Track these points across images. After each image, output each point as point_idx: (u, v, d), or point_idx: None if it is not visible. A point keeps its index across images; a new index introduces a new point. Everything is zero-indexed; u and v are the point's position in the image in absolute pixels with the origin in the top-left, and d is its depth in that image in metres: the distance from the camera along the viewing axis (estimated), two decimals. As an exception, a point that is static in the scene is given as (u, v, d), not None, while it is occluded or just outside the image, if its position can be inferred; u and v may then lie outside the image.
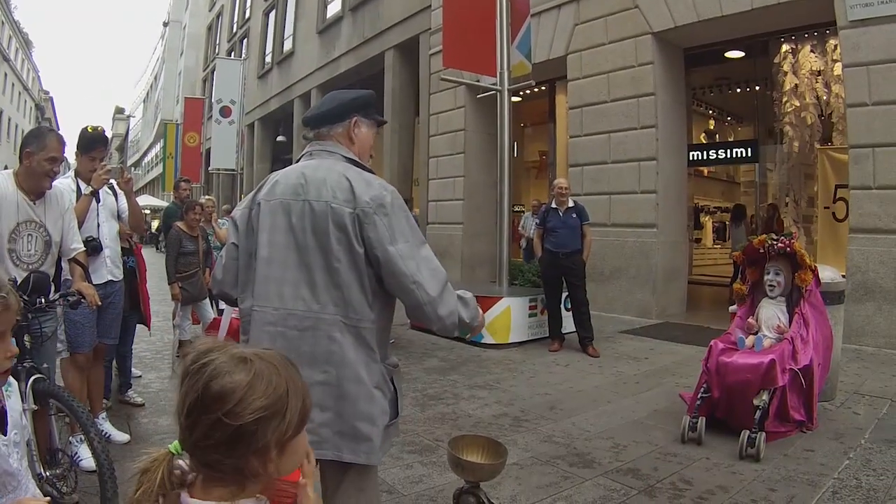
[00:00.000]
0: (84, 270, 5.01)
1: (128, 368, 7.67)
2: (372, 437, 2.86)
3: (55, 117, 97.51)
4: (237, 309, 3.14)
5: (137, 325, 7.80)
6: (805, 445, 6.00)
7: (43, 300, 4.39)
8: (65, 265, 5.07)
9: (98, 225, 5.86)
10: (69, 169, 6.13)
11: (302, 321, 2.85)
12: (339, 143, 3.10)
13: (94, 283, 5.46)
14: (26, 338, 4.22)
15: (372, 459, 2.89)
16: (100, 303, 4.84)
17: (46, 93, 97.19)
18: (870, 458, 5.70)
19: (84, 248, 5.14)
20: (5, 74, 68.53)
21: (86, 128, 5.96)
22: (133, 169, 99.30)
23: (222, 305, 8.10)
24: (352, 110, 3.13)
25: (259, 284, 2.95)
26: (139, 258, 7.52)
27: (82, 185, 5.83)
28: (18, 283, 4.30)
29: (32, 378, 4.04)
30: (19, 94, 76.53)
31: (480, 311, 3.15)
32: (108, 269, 5.95)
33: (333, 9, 27.80)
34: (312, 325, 2.84)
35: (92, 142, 5.88)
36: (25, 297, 4.22)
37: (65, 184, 5.70)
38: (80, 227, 5.37)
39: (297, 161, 3.16)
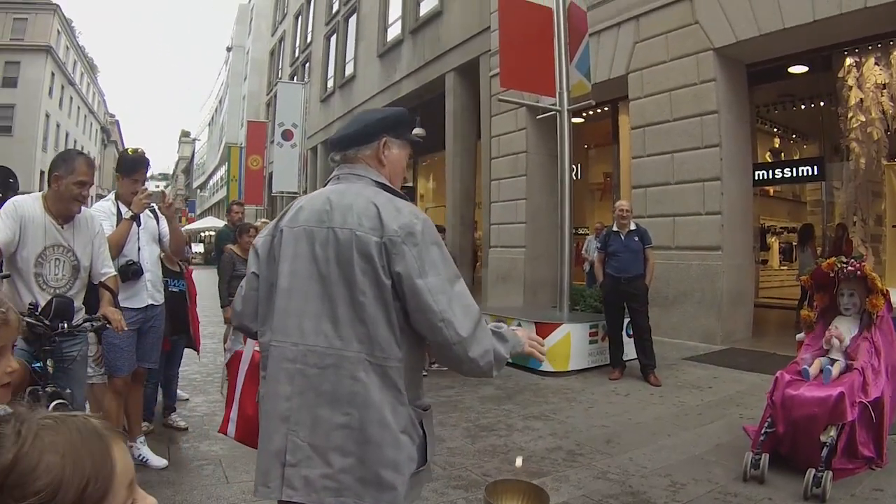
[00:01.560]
0: (113, 295, 4.90)
1: (173, 391, 7.69)
2: (397, 486, 2.62)
3: (121, 140, 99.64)
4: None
5: (186, 349, 7.79)
6: (874, 484, 5.67)
7: (66, 325, 4.30)
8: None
9: (139, 249, 5.85)
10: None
11: (323, 358, 2.63)
12: (368, 166, 2.91)
13: (134, 307, 5.58)
14: (49, 362, 4.16)
15: None
16: (126, 328, 4.74)
17: (112, 116, 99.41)
18: None
19: (115, 273, 5.06)
20: (71, 98, 70.64)
21: (126, 150, 6.03)
22: (199, 192, 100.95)
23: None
24: (381, 130, 2.93)
25: (278, 317, 2.75)
26: (189, 282, 7.53)
27: (123, 209, 5.79)
28: (41, 307, 4.24)
29: (54, 403, 3.95)
30: (85, 117, 78.78)
31: (521, 337, 2.92)
32: (149, 292, 5.92)
33: (394, 32, 27.95)
34: (334, 363, 2.62)
35: (133, 164, 5.88)
36: (47, 322, 4.17)
37: (105, 207, 5.77)
38: (120, 251, 5.43)
39: (325, 185, 2.97)
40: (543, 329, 10.50)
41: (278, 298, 2.75)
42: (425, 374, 9.53)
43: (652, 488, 5.57)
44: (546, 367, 10.35)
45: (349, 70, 33.64)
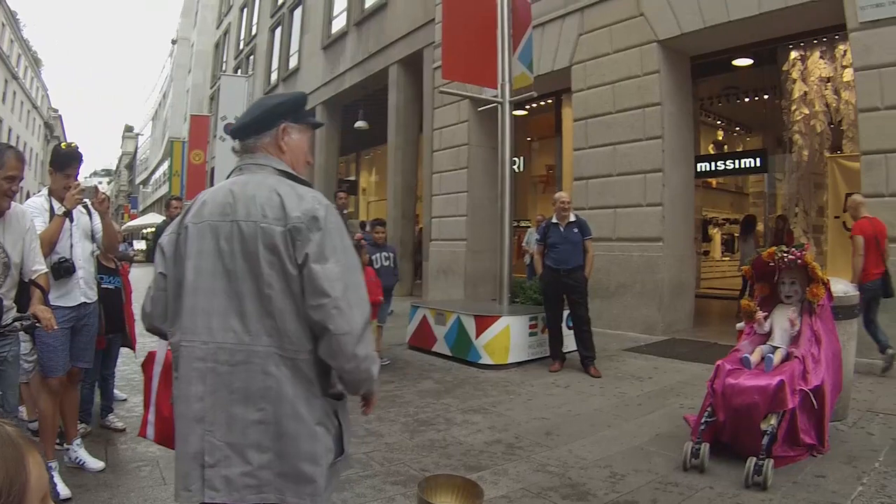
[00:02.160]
0: (43, 293, 4.70)
1: (110, 391, 7.40)
2: (316, 478, 2.59)
3: (64, 135, 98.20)
4: None
5: (122, 348, 7.57)
6: (815, 471, 5.66)
7: None
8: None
9: (71, 245, 5.61)
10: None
11: (233, 355, 2.56)
12: (269, 154, 2.81)
13: (66, 305, 5.38)
14: None
15: (317, 502, 2.59)
16: (56, 326, 4.51)
17: (55, 111, 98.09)
18: (885, 482, 5.39)
19: (46, 270, 4.84)
20: (14, 93, 69.35)
21: (59, 144, 5.85)
22: (142, 187, 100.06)
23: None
24: (279, 116, 2.84)
25: (186, 316, 2.65)
26: (125, 279, 7.30)
27: (56, 205, 5.56)
28: None
29: None
30: (28, 112, 77.37)
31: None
32: (82, 290, 5.68)
33: (339, 24, 27.77)
34: (245, 360, 2.56)
35: (66, 159, 5.68)
36: None
37: (37, 203, 5.56)
38: (53, 248, 5.22)
39: (228, 177, 2.85)
40: (483, 322, 10.46)
41: (186, 297, 2.67)
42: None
43: (591, 480, 5.48)
44: (486, 360, 10.27)
45: (293, 62, 33.43)
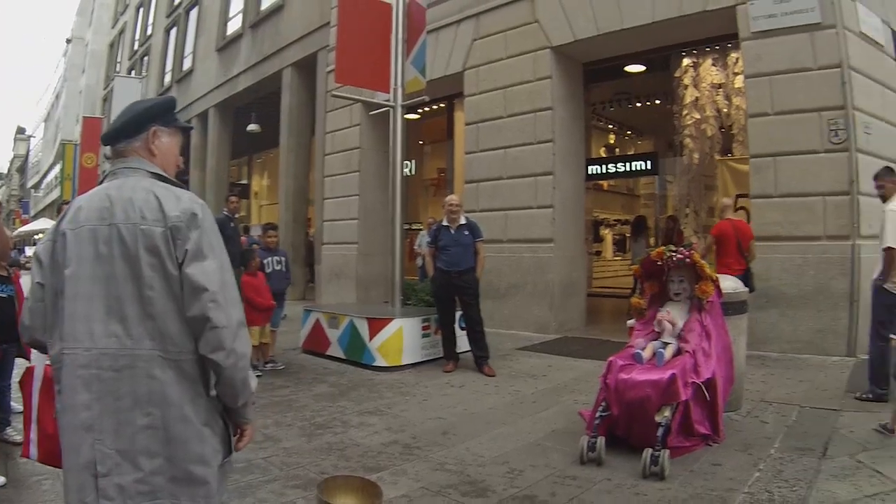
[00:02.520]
0: None
1: (6, 404, 7.06)
2: (208, 480, 2.62)
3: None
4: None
5: (17, 358, 7.31)
6: (712, 459, 5.82)
7: None
8: None
9: None
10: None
11: (117, 360, 2.51)
12: (140, 157, 2.78)
13: None
14: None
15: None
16: None
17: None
18: (781, 468, 5.58)
19: None
20: None
21: None
22: (33, 191, 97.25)
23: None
24: (148, 120, 2.81)
25: (68, 324, 2.56)
26: (17, 287, 7.06)
27: None
28: None
29: None
30: (-82, 117, 74.20)
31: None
32: None
33: (234, 25, 27.32)
34: (129, 364, 2.51)
35: None
36: None
37: None
38: None
39: (101, 182, 2.80)
40: (376, 324, 10.42)
41: (65, 304, 2.59)
42: (259, 374, 9.32)
43: (490, 476, 5.51)
44: (380, 362, 10.24)
45: (187, 64, 32.72)
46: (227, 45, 27.38)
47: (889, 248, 7.46)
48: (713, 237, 10.57)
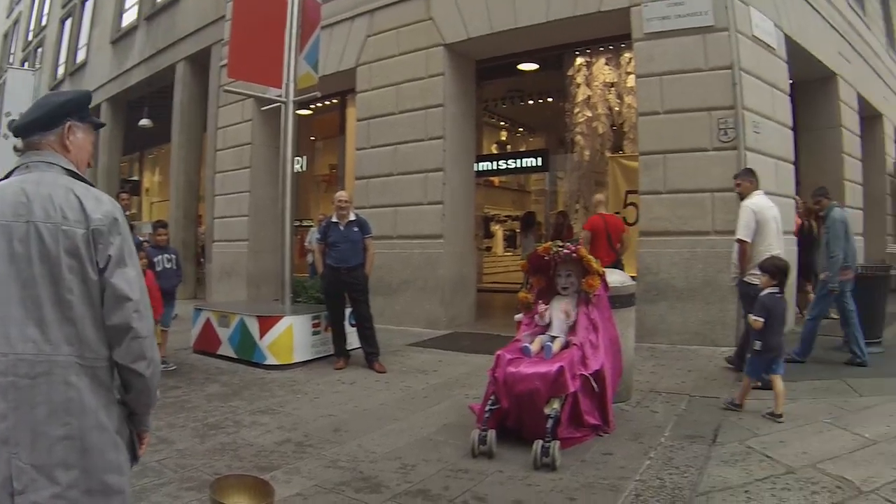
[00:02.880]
0: None
1: None
2: (124, 489, 2.56)
3: None
4: None
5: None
6: (603, 449, 5.97)
7: None
8: None
9: None
10: None
11: (33, 367, 2.38)
12: (55, 152, 2.66)
13: None
14: None
15: None
16: None
17: None
18: (672, 455, 5.75)
19: None
20: None
21: None
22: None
23: None
24: (64, 114, 2.70)
25: None
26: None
27: None
28: None
29: None
30: None
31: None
32: None
33: (130, 17, 26.40)
34: (46, 371, 2.39)
35: None
36: None
37: None
38: None
39: (9, 175, 2.65)
40: (266, 322, 10.31)
41: None
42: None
43: (383, 472, 5.53)
44: (271, 360, 10.13)
45: (81, 56, 31.43)
46: (122, 37, 26.50)
47: (740, 240, 8.36)
48: (587, 231, 11.25)
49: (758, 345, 7.09)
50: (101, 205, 2.49)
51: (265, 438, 6.59)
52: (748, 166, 9.55)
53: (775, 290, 7.23)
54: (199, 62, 21.42)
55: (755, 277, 7.80)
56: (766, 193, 9.16)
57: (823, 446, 5.86)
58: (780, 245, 8.53)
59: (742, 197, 8.81)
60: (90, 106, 2.89)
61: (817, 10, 14.93)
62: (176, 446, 6.28)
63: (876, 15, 21.85)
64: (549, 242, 7.09)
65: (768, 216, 8.55)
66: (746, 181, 8.84)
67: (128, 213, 11.44)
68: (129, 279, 2.45)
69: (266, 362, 10.13)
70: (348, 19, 15.54)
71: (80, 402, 2.41)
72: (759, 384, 7.35)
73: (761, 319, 7.01)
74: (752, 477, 5.19)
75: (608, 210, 12.39)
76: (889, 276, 10.89)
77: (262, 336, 10.22)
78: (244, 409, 7.78)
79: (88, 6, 31.48)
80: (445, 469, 5.56)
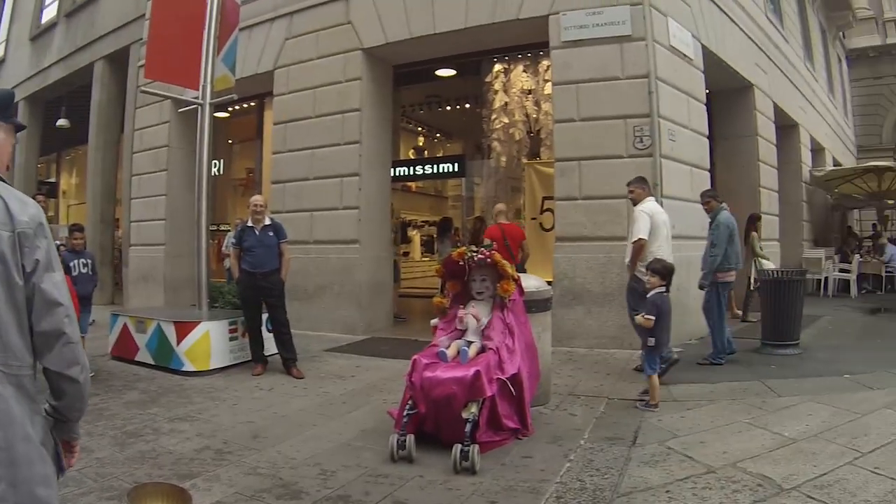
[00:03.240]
0: None
1: None
2: (52, 502, 2.44)
3: None
4: None
5: None
6: (523, 452, 6.06)
7: None
8: None
9: None
10: None
11: None
12: None
13: None
14: None
15: None
16: None
17: None
18: (592, 457, 5.87)
19: None
20: None
21: None
22: None
23: None
24: None
25: None
26: None
27: None
28: None
29: None
30: None
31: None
32: None
33: (50, 13, 25.56)
34: None
35: None
36: None
37: None
38: None
39: None
40: (183, 328, 10.19)
41: None
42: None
43: (303, 478, 5.54)
44: (188, 367, 10.02)
45: (-1, 52, 30.57)
46: (42, 33, 25.64)
47: (640, 240, 8.93)
48: (486, 240, 11.18)
49: (651, 341, 7.67)
50: (27, 207, 2.42)
51: (185, 446, 6.54)
52: (639, 175, 9.99)
53: (662, 289, 7.79)
54: (118, 62, 20.90)
55: (643, 275, 8.36)
56: (683, 200, 9.63)
57: (743, 446, 6.05)
58: (669, 248, 9.21)
59: (635, 203, 9.44)
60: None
61: (735, 22, 15.41)
62: (96, 455, 6.18)
63: (793, 27, 22.60)
64: (464, 248, 7.17)
65: (659, 221, 9.26)
66: (639, 188, 9.53)
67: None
68: (58, 284, 2.41)
69: (184, 369, 10.02)
70: (267, 21, 15.44)
71: (8, 412, 2.29)
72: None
73: (653, 318, 7.55)
74: (673, 477, 5.33)
75: (512, 218, 12.72)
76: (805, 280, 11.34)
77: (179, 342, 10.11)
78: (163, 416, 7.70)
79: (8, 1, 30.46)
80: (366, 475, 5.59)
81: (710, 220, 10.10)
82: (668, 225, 9.38)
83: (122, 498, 5.04)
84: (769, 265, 13.89)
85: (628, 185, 9.65)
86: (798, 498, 4.83)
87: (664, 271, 7.85)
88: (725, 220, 9.93)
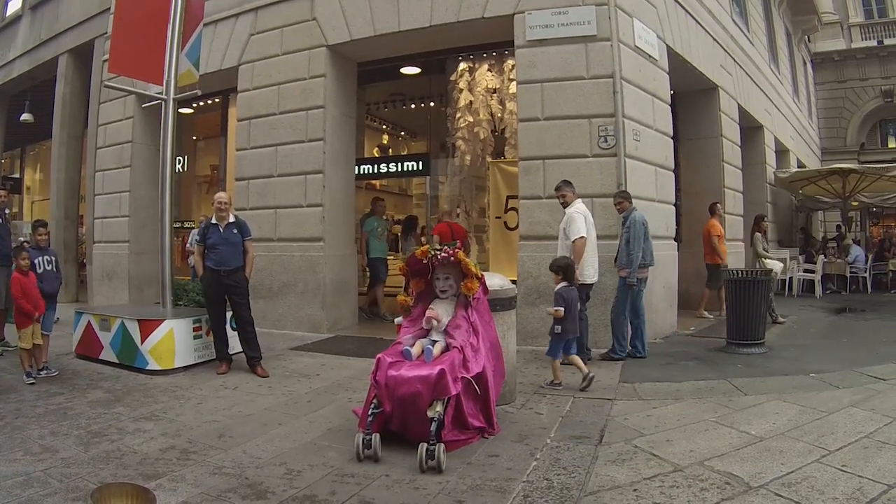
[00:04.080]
0: None
1: None
2: None
3: None
4: None
5: None
6: (489, 451, 6.09)
7: None
8: None
9: None
10: None
11: None
12: None
13: None
14: None
15: None
16: None
17: None
18: (558, 456, 5.90)
19: None
20: None
21: None
22: None
23: None
24: None
25: None
26: None
27: None
28: None
29: None
30: None
31: None
32: None
33: (14, 6, 24.99)
34: None
35: None
36: None
37: None
38: None
39: None
40: (147, 326, 10.10)
41: None
42: (32, 381, 8.96)
43: (269, 478, 5.53)
44: (153, 365, 9.94)
45: (-37, 46, 30.21)
46: (6, 26, 25.11)
47: (582, 237, 9.72)
48: (435, 236, 12.15)
49: (558, 328, 8.50)
50: None
51: (149, 445, 6.50)
52: (565, 178, 10.41)
53: (565, 283, 8.57)
54: (82, 56, 20.66)
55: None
56: (647, 199, 9.91)
57: (710, 444, 6.15)
58: (595, 247, 10.13)
59: (565, 205, 10.04)
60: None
61: (701, 24, 15.57)
62: (60, 455, 6.14)
63: (759, 30, 22.88)
64: (427, 245, 7.17)
65: (589, 222, 10.04)
66: (569, 192, 10.13)
67: (7, 211, 11.11)
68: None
69: (148, 367, 9.95)
70: (232, 17, 15.37)
71: None
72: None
73: (562, 309, 8.28)
74: (641, 476, 5.39)
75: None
76: (769, 280, 11.46)
77: (143, 340, 10.03)
78: (128, 415, 7.64)
79: (-28, -6, 30.14)
80: (332, 474, 5.59)
81: (623, 219, 10.40)
82: (592, 224, 10.08)
83: (86, 499, 5.02)
84: (775, 265, 14.07)
85: (557, 189, 10.19)
86: (766, 496, 4.91)
87: (565, 267, 8.74)
88: (640, 219, 10.25)
